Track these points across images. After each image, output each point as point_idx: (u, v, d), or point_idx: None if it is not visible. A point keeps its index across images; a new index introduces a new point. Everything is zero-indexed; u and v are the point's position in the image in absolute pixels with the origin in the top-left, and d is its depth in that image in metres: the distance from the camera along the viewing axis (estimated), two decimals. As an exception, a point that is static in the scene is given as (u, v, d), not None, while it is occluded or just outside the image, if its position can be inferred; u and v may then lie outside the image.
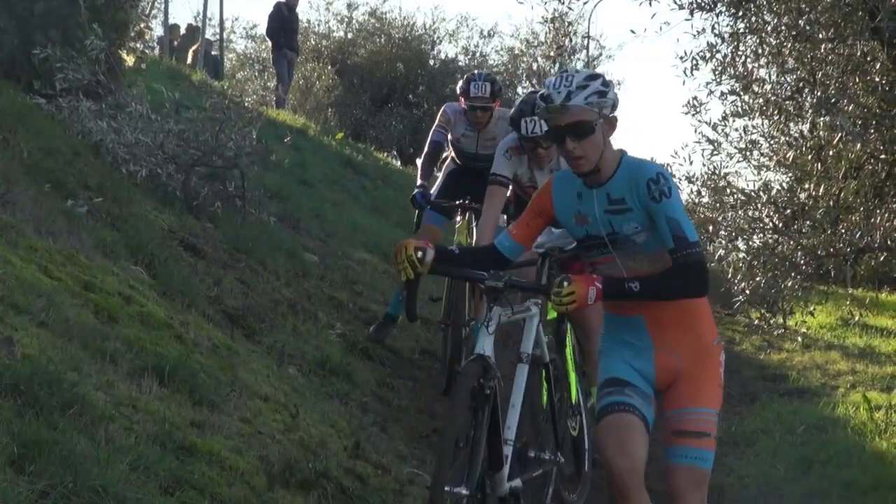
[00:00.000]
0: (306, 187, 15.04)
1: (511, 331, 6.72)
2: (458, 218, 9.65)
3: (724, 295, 11.90)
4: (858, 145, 11.29)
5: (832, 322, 13.48)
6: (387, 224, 15.48)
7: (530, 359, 5.85)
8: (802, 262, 11.44)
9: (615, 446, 4.89)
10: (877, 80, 11.31)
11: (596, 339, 7.11)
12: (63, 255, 6.99)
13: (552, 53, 20.38)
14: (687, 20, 11.85)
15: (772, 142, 12.18)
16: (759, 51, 12.06)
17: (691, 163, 12.31)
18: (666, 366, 5.02)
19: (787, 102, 11.85)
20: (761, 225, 11.72)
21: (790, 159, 11.84)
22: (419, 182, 9.58)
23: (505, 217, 8.84)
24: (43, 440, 4.45)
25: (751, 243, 11.83)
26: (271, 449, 5.92)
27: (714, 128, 12.05)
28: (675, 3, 11.74)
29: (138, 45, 12.84)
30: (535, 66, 28.57)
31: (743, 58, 12.03)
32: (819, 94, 11.36)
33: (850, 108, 11.21)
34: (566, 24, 15.18)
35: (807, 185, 11.66)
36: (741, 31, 11.99)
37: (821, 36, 11.46)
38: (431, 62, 29.15)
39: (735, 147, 12.08)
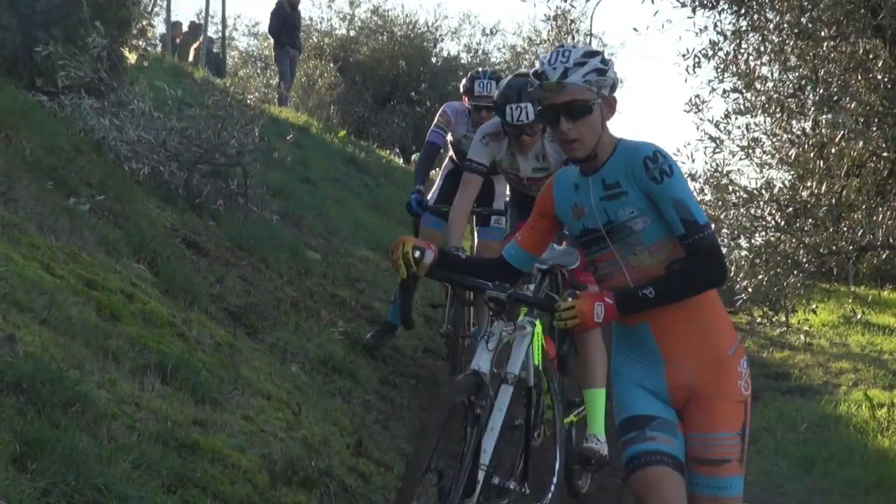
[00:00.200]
0: (309, 185, 15.04)
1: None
2: None
3: (727, 293, 11.89)
4: (861, 143, 11.29)
5: (834, 320, 13.47)
6: (389, 222, 15.48)
7: (516, 381, 5.35)
8: (805, 260, 11.45)
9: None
10: (879, 77, 11.31)
11: (591, 340, 7.07)
12: (65, 253, 6.99)
13: (554, 51, 20.32)
14: (689, 18, 11.89)
15: (774, 139, 12.18)
16: (762, 48, 12.06)
17: (693, 161, 12.35)
18: (678, 382, 4.58)
19: (790, 100, 11.85)
20: (763, 223, 11.72)
21: (792, 157, 11.84)
22: (416, 187, 9.11)
23: (504, 220, 8.71)
24: (45, 438, 4.45)
25: (753, 241, 11.84)
26: (274, 447, 5.92)
27: (716, 125, 12.07)
28: (678, 0, 11.76)
29: (140, 43, 12.84)
30: (537, 64, 28.54)
31: (745, 55, 12.04)
32: (821, 91, 11.36)
33: (853, 105, 11.21)
34: (568, 21, 15.20)
35: (809, 183, 11.66)
36: (743, 28, 12.01)
37: (823, 33, 11.46)
38: (434, 60, 29.16)
39: (737, 145, 12.10)
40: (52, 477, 4.27)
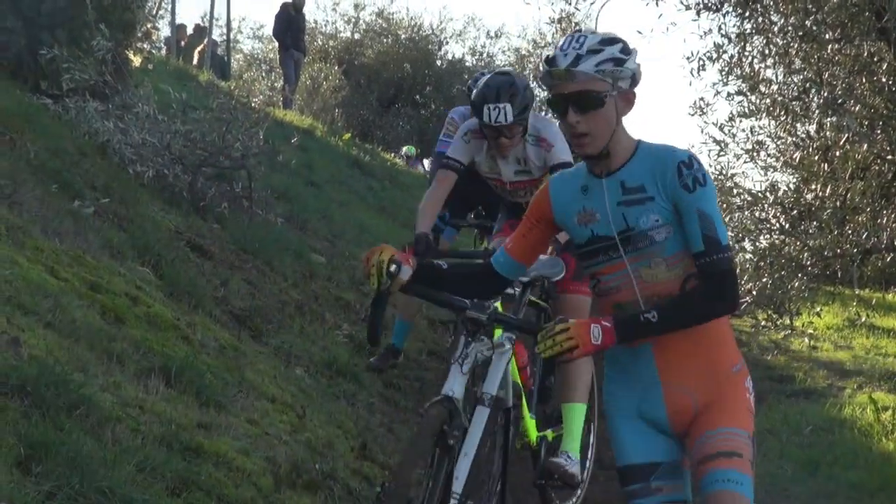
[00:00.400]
0: (313, 188, 15.04)
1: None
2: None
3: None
4: (865, 146, 11.29)
5: (839, 323, 13.46)
6: (394, 225, 15.48)
7: (492, 402, 4.93)
8: (809, 262, 11.44)
9: None
10: (883, 80, 11.31)
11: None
12: (70, 256, 6.99)
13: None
14: (694, 21, 11.91)
15: (778, 142, 12.19)
16: (766, 51, 12.07)
17: (698, 163, 12.30)
18: (679, 406, 4.13)
19: (794, 103, 11.86)
20: (768, 226, 11.72)
21: (797, 160, 11.84)
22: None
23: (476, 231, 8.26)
24: (49, 441, 4.45)
25: (757, 244, 11.85)
26: (278, 450, 5.92)
27: (721, 128, 12.08)
28: (682, 3, 11.79)
29: (145, 46, 12.86)
30: (542, 67, 28.56)
31: (749, 58, 12.05)
32: (826, 94, 11.36)
33: (857, 108, 11.21)
34: (573, 24, 15.16)
35: (813, 186, 11.66)
36: (748, 31, 12.01)
37: (827, 36, 11.46)
38: (438, 62, 29.23)
39: (742, 148, 12.11)
40: (56, 480, 4.27)
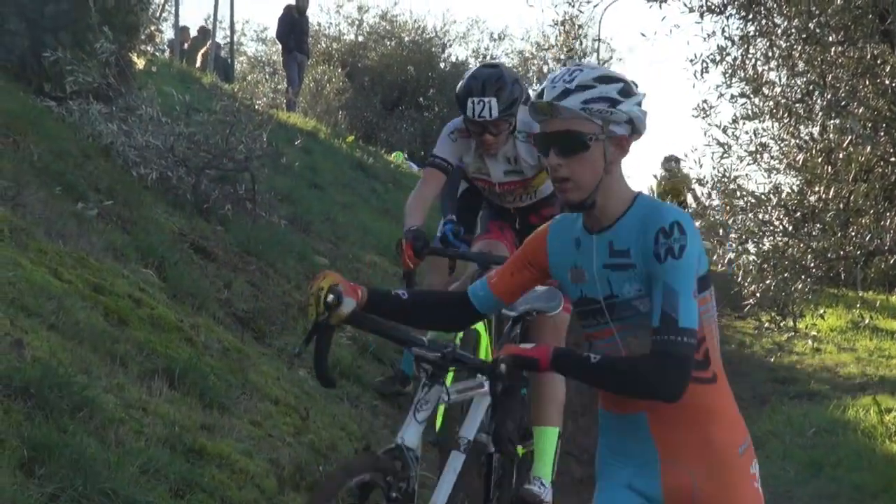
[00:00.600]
0: (317, 190, 15.05)
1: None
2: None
3: (735, 298, 11.89)
4: (868, 148, 11.27)
5: (842, 325, 13.47)
6: (397, 227, 15.44)
7: (469, 447, 4.53)
8: (812, 264, 11.44)
9: None
10: (887, 83, 11.30)
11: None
12: (73, 258, 7.00)
13: (562, 56, 20.35)
14: (697, 23, 11.94)
15: (782, 144, 12.18)
16: (770, 53, 12.06)
17: (701, 166, 12.37)
18: (676, 483, 3.61)
19: (798, 105, 11.85)
20: (771, 228, 11.72)
21: (800, 162, 11.83)
22: (447, 216, 7.14)
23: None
24: (53, 443, 4.45)
25: (761, 246, 11.83)
26: (281, 452, 5.93)
27: (724, 130, 12.06)
28: (686, 6, 11.79)
29: (149, 48, 12.85)
30: (545, 69, 28.62)
31: (753, 60, 12.04)
32: (829, 96, 11.35)
33: (860, 110, 11.19)
34: (576, 26, 15.15)
35: (817, 188, 11.65)
36: (751, 33, 12.01)
37: (831, 39, 11.45)
38: (442, 65, 29.25)
39: (745, 150, 12.08)
40: (59, 482, 4.28)
